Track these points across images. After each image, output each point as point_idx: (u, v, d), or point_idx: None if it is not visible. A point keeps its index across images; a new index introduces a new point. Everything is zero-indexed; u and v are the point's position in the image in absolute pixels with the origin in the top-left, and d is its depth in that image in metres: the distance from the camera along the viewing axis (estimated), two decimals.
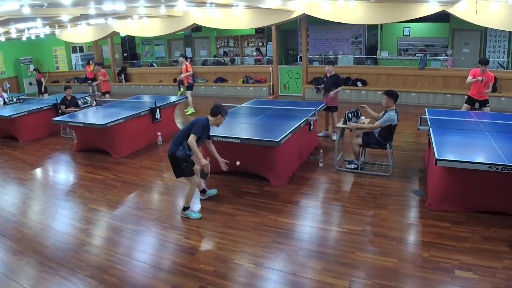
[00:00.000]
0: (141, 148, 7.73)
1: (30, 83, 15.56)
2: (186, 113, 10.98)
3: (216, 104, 4.82)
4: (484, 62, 7.10)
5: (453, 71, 11.25)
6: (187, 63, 10.72)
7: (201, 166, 4.83)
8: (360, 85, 11.98)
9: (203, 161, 4.71)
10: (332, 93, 7.61)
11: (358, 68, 12.61)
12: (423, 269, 3.62)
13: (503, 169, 4.04)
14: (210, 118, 4.78)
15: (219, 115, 4.74)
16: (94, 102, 9.89)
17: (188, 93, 10.84)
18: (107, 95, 11.20)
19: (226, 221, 4.72)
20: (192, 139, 4.57)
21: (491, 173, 4.17)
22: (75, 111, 8.78)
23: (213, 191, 5.43)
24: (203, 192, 5.35)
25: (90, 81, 13.35)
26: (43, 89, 13.24)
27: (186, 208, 4.93)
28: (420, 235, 4.26)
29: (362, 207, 4.95)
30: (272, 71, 13.29)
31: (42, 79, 13.43)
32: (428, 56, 12.37)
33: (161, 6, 10.04)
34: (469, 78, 7.20)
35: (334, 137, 7.69)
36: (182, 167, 4.72)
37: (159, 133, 8.16)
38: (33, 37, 15.58)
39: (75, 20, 11.29)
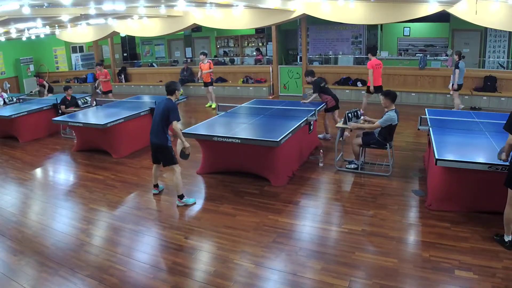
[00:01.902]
0: (141, 148, 7.72)
1: (31, 92, 15.46)
2: (211, 107, 11.49)
3: (168, 84, 5.15)
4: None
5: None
6: (210, 60, 11.68)
7: (183, 148, 5.13)
8: (360, 85, 11.97)
9: (186, 144, 5.08)
10: (307, 101, 7.77)
11: (358, 68, 12.59)
12: (423, 269, 3.62)
13: (503, 169, 4.04)
14: (172, 97, 5.09)
15: (176, 91, 5.09)
16: (94, 102, 9.88)
17: (211, 88, 11.74)
18: (110, 94, 11.21)
19: (226, 221, 4.72)
20: (177, 125, 4.97)
21: (491, 173, 4.17)
22: (75, 111, 8.78)
23: (159, 189, 5.65)
24: (156, 186, 5.61)
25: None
26: (46, 91, 13.18)
27: (181, 196, 5.14)
28: (420, 235, 4.27)
29: (362, 207, 4.95)
30: (272, 71, 13.29)
31: (45, 83, 13.41)
32: (428, 56, 12.37)
33: (161, 6, 10.04)
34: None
35: (321, 135, 7.85)
36: (172, 155, 5.08)
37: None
38: (33, 37, 15.57)
39: (75, 20, 11.29)
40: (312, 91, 7.85)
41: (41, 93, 13.66)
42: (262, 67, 14.05)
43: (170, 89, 5.09)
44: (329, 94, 7.67)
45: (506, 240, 3.91)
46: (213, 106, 11.34)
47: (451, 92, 9.65)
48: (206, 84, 11.70)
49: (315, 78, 7.78)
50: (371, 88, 9.18)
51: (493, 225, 4.28)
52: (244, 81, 13.86)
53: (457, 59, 9.31)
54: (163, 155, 5.12)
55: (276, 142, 5.28)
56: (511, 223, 3.87)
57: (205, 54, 11.56)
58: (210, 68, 11.44)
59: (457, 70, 9.23)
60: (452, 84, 9.44)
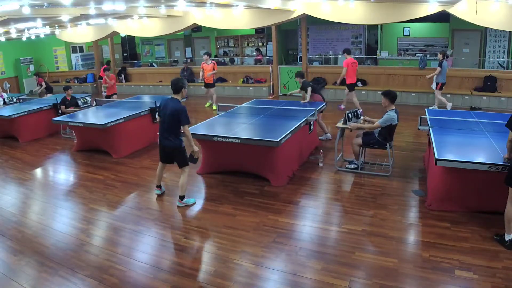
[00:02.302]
0: (141, 148, 7.73)
1: (31, 91, 15.41)
2: (212, 108, 11.30)
3: (175, 81, 4.89)
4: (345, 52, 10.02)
5: (453, 71, 11.25)
6: (214, 61, 11.33)
7: (192, 152, 5.04)
8: (360, 85, 11.97)
9: (195, 148, 4.98)
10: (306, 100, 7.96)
11: (358, 68, 12.57)
12: (423, 269, 3.62)
13: (503, 169, 4.04)
14: (178, 96, 4.90)
15: (183, 88, 4.86)
16: (94, 102, 9.87)
17: (213, 90, 11.45)
18: (115, 96, 11.13)
19: (226, 221, 4.72)
20: (188, 128, 4.89)
21: (491, 173, 4.17)
22: (75, 111, 8.78)
23: (159, 190, 5.59)
24: (159, 187, 5.55)
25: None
26: (39, 90, 13.12)
27: (182, 197, 5.14)
28: (420, 235, 4.27)
29: (362, 207, 4.95)
30: (272, 71, 13.29)
31: (43, 83, 13.36)
32: (428, 56, 12.36)
33: (161, 6, 10.04)
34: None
35: (322, 137, 7.88)
36: (185, 156, 5.00)
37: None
38: (33, 37, 15.56)
39: (75, 20, 11.28)
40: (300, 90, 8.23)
41: (42, 92, 13.54)
42: (262, 67, 14.05)
43: (177, 86, 4.82)
44: (319, 93, 7.95)
45: (507, 239, 3.91)
46: (214, 107, 11.13)
47: (435, 91, 10.12)
48: (208, 85, 11.45)
49: (304, 79, 8.09)
50: (338, 82, 10.03)
51: (493, 225, 4.28)
52: (244, 81, 13.85)
53: (441, 58, 9.83)
54: (179, 157, 5.03)
55: (276, 142, 5.28)
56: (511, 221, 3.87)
57: (208, 55, 11.31)
58: (214, 69, 11.16)
59: (438, 68, 9.77)
60: (437, 84, 9.98)
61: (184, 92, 4.91)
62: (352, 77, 9.94)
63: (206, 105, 11.84)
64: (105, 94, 10.96)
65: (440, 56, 9.93)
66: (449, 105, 9.96)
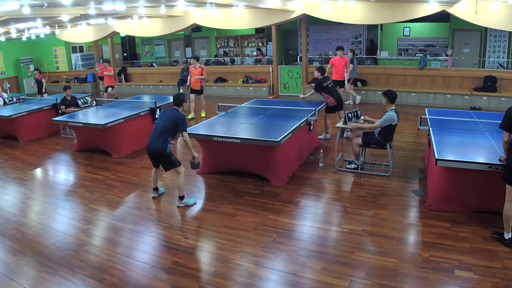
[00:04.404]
0: (141, 148, 7.70)
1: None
2: (188, 117, 10.12)
3: (176, 96, 5.17)
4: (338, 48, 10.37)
5: (453, 71, 11.25)
6: (203, 65, 10.33)
7: (192, 159, 5.20)
8: (360, 85, 11.98)
9: (194, 154, 5.14)
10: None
11: (358, 68, 12.57)
12: (423, 269, 3.62)
13: (503, 169, 4.04)
14: (179, 109, 5.12)
15: (183, 103, 5.11)
16: (94, 102, 9.87)
17: (202, 97, 10.32)
18: (110, 89, 11.14)
19: (226, 221, 4.72)
20: (188, 135, 5.07)
21: (491, 173, 4.17)
22: (75, 111, 8.78)
23: (161, 190, 5.63)
24: (155, 189, 5.55)
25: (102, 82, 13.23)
26: (43, 90, 13.09)
27: (182, 197, 5.17)
28: (420, 235, 4.27)
29: (362, 207, 4.95)
30: (272, 71, 13.29)
31: (43, 80, 13.29)
32: (428, 56, 12.36)
33: (161, 6, 10.03)
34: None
35: (321, 136, 7.87)
36: (172, 160, 5.07)
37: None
38: (33, 37, 15.57)
39: (75, 20, 11.28)
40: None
41: (40, 89, 13.24)
42: (262, 67, 14.04)
43: (179, 101, 5.09)
44: (331, 94, 7.53)
45: (506, 237, 3.91)
46: (190, 116, 10.13)
47: (347, 86, 10.81)
48: (195, 92, 10.16)
49: (320, 77, 7.58)
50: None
51: (493, 225, 4.28)
52: (244, 81, 13.85)
53: (352, 56, 10.78)
54: (163, 161, 5.08)
55: (276, 142, 5.28)
56: (510, 220, 3.87)
57: (197, 58, 10.16)
58: (202, 74, 10.01)
59: (351, 65, 10.67)
60: (349, 79, 10.78)
61: (185, 106, 5.15)
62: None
63: (202, 115, 10.37)
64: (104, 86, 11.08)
65: (350, 54, 10.76)
66: (358, 98, 11.13)
